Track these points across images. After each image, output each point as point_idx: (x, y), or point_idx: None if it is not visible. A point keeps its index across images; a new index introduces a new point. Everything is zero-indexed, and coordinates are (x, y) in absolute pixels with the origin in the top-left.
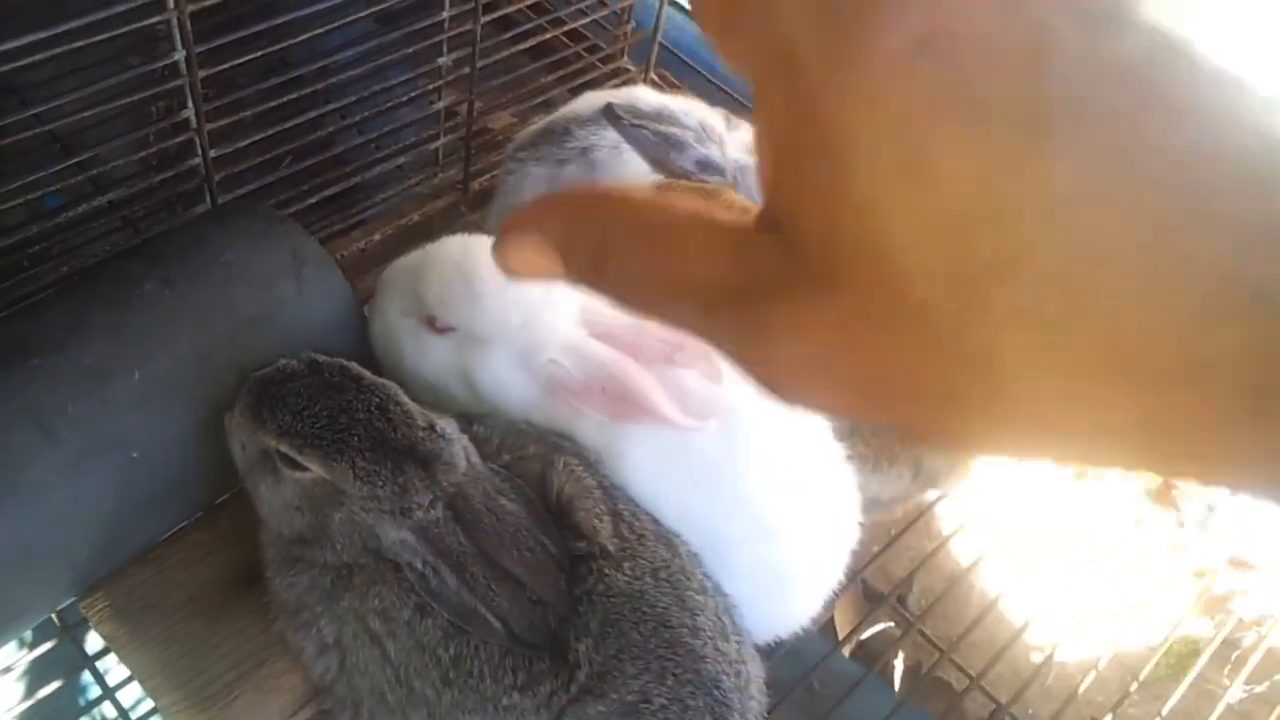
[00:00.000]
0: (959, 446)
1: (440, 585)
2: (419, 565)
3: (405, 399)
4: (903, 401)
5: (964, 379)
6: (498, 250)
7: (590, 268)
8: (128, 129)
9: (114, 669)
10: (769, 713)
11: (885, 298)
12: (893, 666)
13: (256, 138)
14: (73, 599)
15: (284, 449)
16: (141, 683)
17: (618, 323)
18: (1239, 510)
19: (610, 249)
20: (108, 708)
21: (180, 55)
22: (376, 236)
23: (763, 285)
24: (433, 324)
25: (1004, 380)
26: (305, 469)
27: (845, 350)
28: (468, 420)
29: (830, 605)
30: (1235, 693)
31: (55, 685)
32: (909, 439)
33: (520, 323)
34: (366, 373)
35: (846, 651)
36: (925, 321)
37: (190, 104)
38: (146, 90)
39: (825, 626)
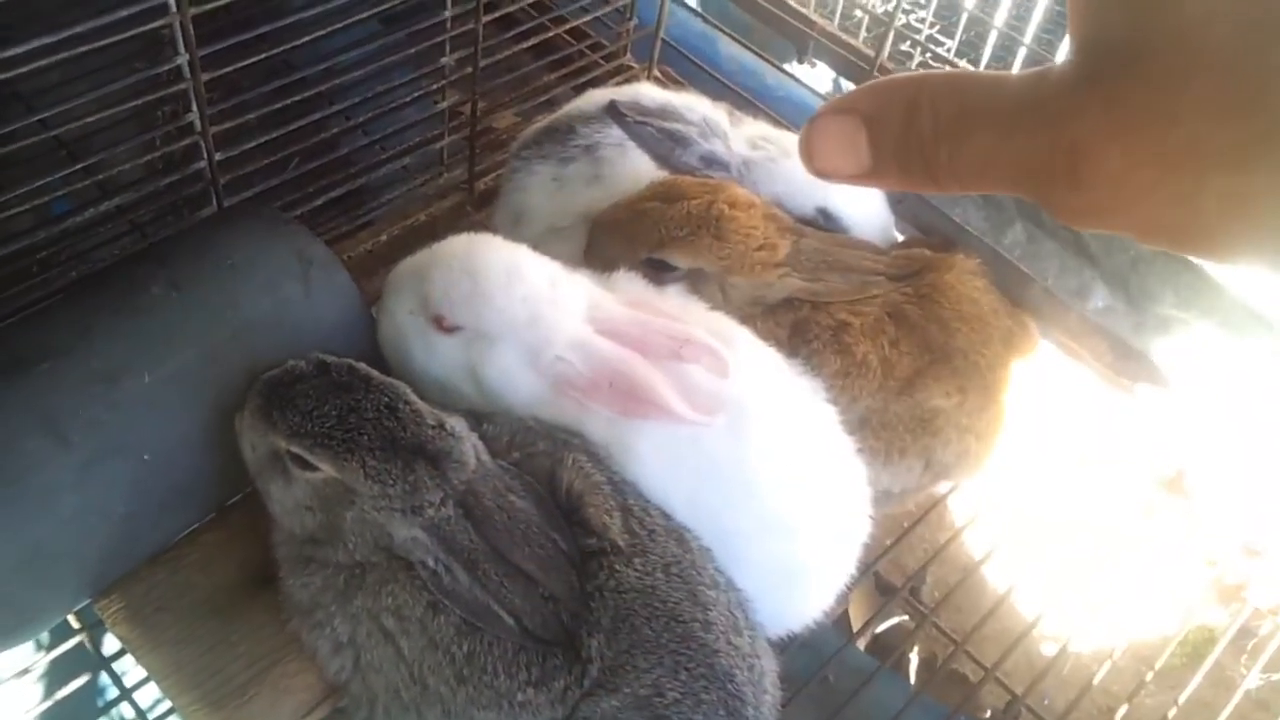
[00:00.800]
0: (1242, 236)
1: (453, 582)
2: (431, 563)
3: (414, 398)
4: (1194, 163)
5: (1252, 132)
6: (805, 140)
7: (900, 127)
8: (134, 134)
9: (131, 670)
10: (784, 706)
11: (1185, 64)
12: (908, 660)
13: (262, 140)
14: (88, 601)
15: (294, 449)
16: (158, 683)
17: (625, 319)
18: (1251, 497)
19: (919, 104)
20: (125, 708)
21: (184, 59)
22: (383, 237)
23: (1070, 88)
24: (440, 323)
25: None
26: (316, 469)
27: (1147, 114)
28: (477, 418)
29: (843, 599)
30: (1252, 680)
31: (74, 686)
32: (1219, 238)
33: (527, 320)
34: (375, 372)
35: (862, 645)
36: (1219, 70)
37: (194, 107)
38: (151, 94)
39: (840, 620)
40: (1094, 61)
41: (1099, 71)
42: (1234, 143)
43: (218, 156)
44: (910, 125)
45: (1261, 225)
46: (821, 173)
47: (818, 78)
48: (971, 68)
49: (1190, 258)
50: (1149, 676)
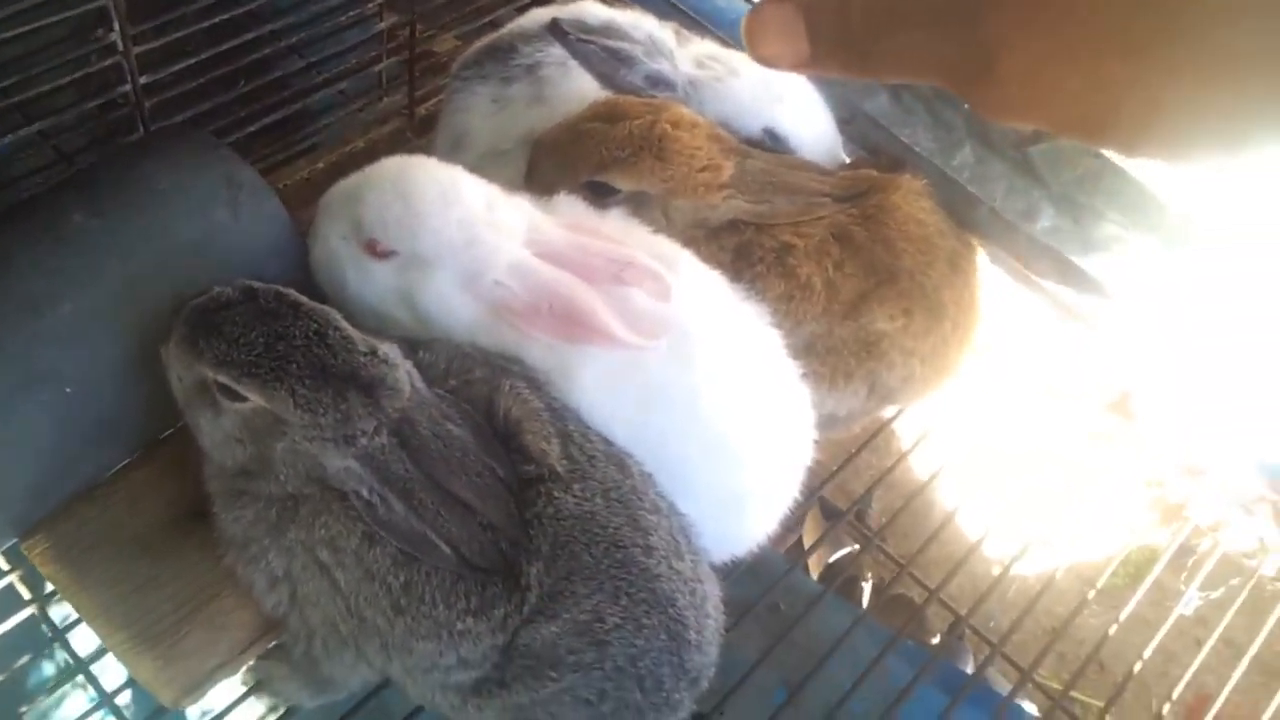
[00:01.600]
0: (1148, 113)
1: (388, 513)
2: (365, 493)
3: (345, 324)
4: (1099, 50)
5: (1160, 19)
6: (747, 28)
7: (835, 16)
8: (58, 57)
9: (66, 610)
10: (729, 630)
11: None
12: (860, 588)
13: (190, 62)
14: (13, 540)
15: (221, 379)
16: (88, 623)
17: (564, 242)
18: (1194, 419)
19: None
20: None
21: None
22: (320, 165)
23: None
24: (374, 248)
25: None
26: (244, 399)
27: (1056, 15)
28: (412, 346)
29: (794, 526)
30: (1190, 599)
31: (6, 626)
32: (1113, 123)
33: (464, 243)
34: (304, 299)
35: (815, 574)
36: None
37: (116, 27)
38: (70, 12)
39: (793, 549)
40: None
41: None
42: (1135, 33)
43: (143, 80)
44: (844, 15)
45: (1161, 115)
46: (763, 60)
47: None
48: None
49: (1116, 158)
50: (1090, 595)
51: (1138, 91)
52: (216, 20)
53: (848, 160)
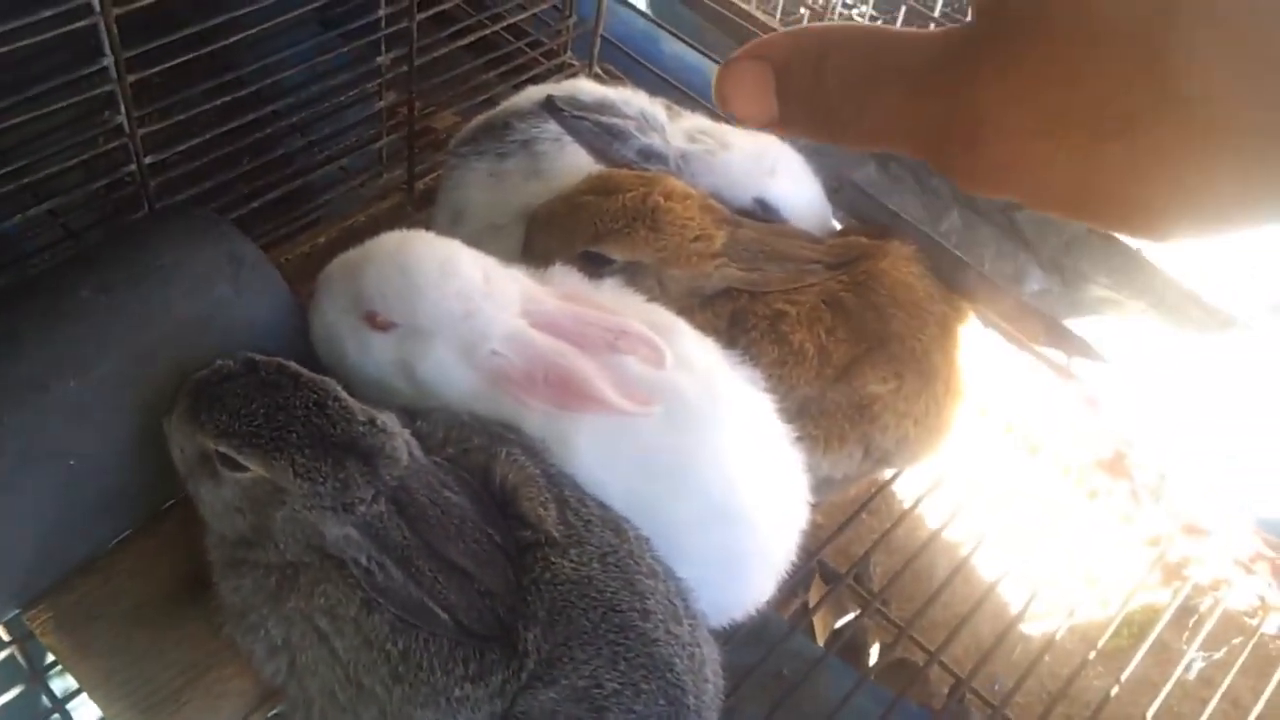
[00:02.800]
0: (1145, 195)
1: (386, 580)
2: (364, 561)
3: (344, 394)
4: (1094, 131)
5: (1151, 90)
6: (718, 84)
7: (808, 79)
8: (66, 138)
9: (67, 682)
10: (729, 695)
11: (1084, 28)
12: (867, 652)
13: (195, 141)
14: (16, 611)
15: (222, 449)
16: (89, 693)
17: (559, 312)
18: (1190, 477)
19: (828, 56)
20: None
21: (109, 60)
22: (322, 240)
23: (970, 51)
24: (373, 320)
25: (1190, 82)
26: (245, 469)
27: (1048, 80)
28: (410, 415)
29: (788, 588)
30: (1192, 658)
31: (5, 699)
32: (1104, 202)
33: (462, 314)
34: (304, 370)
35: (822, 639)
36: (1117, 38)
37: (122, 109)
38: (78, 97)
39: (797, 612)
40: (994, 22)
41: (999, 32)
42: (1131, 110)
43: (148, 159)
44: (818, 79)
45: (1153, 195)
46: (733, 118)
47: None
48: None
49: (1112, 234)
50: (1092, 655)
51: (1135, 171)
52: (220, 101)
53: (838, 228)
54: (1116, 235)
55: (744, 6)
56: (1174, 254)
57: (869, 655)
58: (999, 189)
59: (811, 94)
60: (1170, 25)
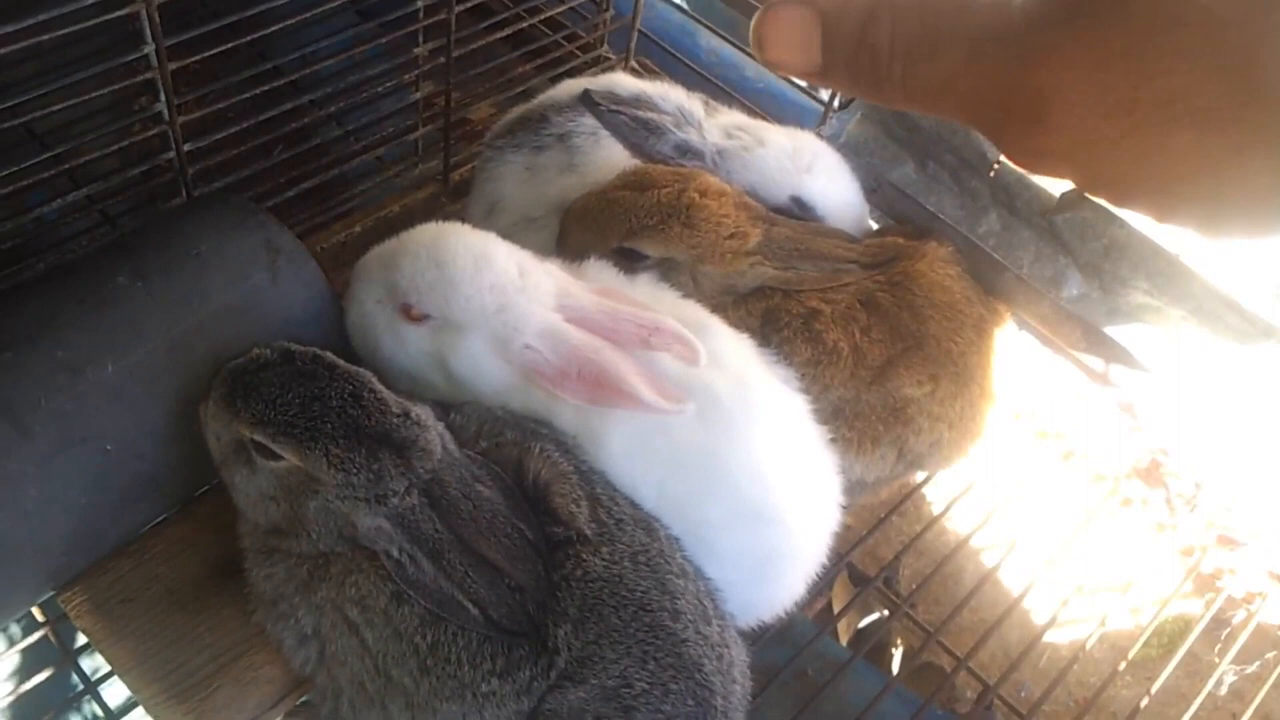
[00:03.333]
0: (1210, 186)
1: (417, 572)
2: (395, 553)
3: (379, 386)
4: (1167, 119)
5: (1231, 84)
6: (758, 27)
7: (857, 31)
8: (106, 124)
9: (97, 664)
10: (756, 697)
11: (1172, 16)
12: (891, 654)
13: (232, 130)
14: (51, 593)
15: (258, 438)
16: (121, 676)
17: (594, 307)
18: (1226, 488)
19: (881, 10)
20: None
21: (150, 48)
22: (357, 229)
23: (1044, 26)
24: (408, 312)
25: (1273, 76)
26: (279, 458)
27: (1126, 64)
28: (444, 408)
29: (822, 592)
30: (1224, 672)
31: (37, 680)
32: (1166, 191)
33: (496, 308)
34: (340, 361)
35: (845, 640)
36: (1207, 19)
37: (162, 97)
38: (118, 84)
39: (821, 614)
40: (1074, 1)
41: (1077, 9)
42: (1211, 105)
43: (187, 147)
44: (866, 33)
45: (1217, 191)
46: (770, 63)
47: None
48: None
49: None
50: (1122, 666)
51: (1205, 167)
52: (258, 91)
53: (875, 227)
54: (1155, 241)
55: None
56: (1214, 261)
57: (892, 657)
58: (1054, 167)
59: (859, 48)
60: (1267, 25)
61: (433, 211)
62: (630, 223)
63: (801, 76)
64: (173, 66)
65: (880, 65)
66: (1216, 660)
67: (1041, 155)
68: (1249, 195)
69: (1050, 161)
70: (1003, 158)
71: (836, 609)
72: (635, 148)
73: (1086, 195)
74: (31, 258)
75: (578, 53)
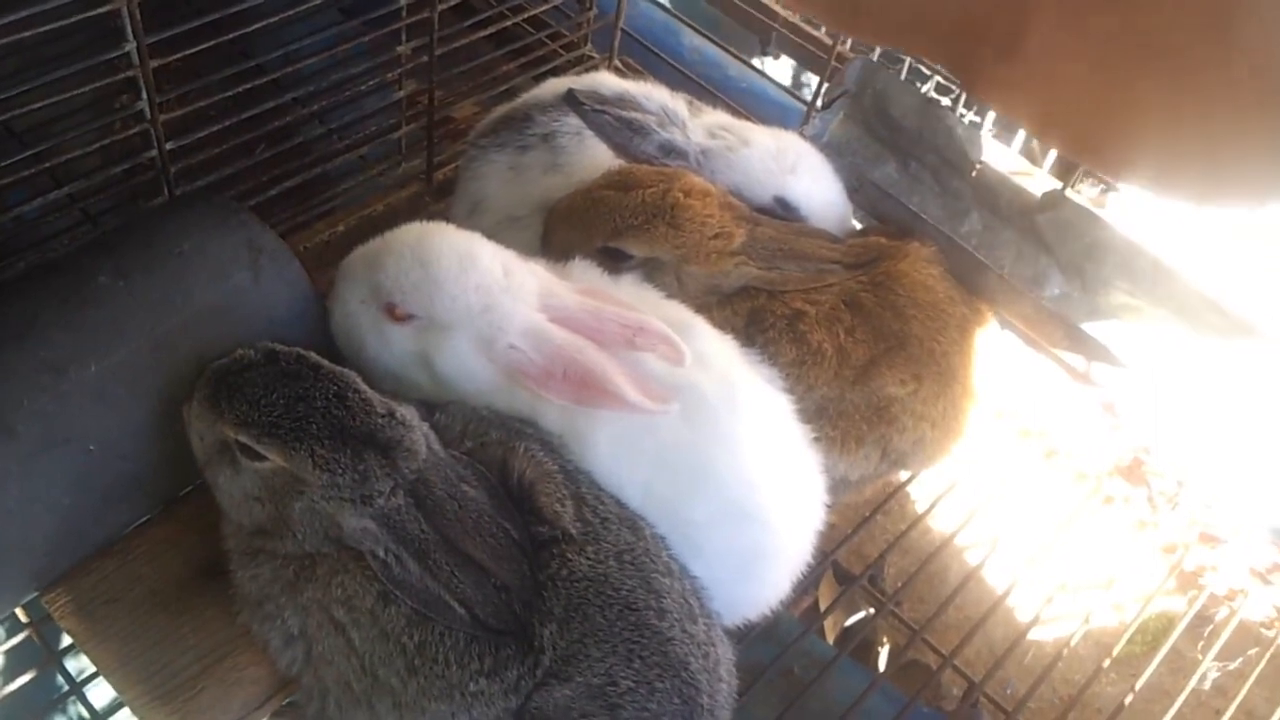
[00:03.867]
0: (1170, 141)
1: (403, 572)
2: (381, 553)
3: (364, 386)
4: (1137, 63)
5: (1209, 38)
6: None
7: None
8: (87, 122)
9: (82, 664)
10: (742, 695)
11: None
12: (877, 651)
13: (214, 128)
14: (35, 594)
15: (242, 439)
16: (105, 676)
17: (578, 307)
18: (1208, 485)
19: None
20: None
21: (131, 45)
22: (340, 228)
23: None
24: (392, 312)
25: (1251, 38)
26: (264, 459)
27: (1108, 16)
28: (429, 408)
29: (809, 590)
30: (1207, 668)
31: (21, 682)
32: (1124, 142)
33: (480, 308)
34: (324, 361)
35: (832, 638)
36: (1198, 7)
37: (144, 95)
38: (99, 82)
39: (808, 612)
40: None
41: None
42: (1188, 65)
43: (169, 145)
44: None
45: (1179, 147)
46: None
47: (780, 70)
48: None
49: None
50: (1106, 663)
51: (1170, 122)
52: (240, 89)
53: (858, 227)
54: (1137, 242)
55: (763, 1)
56: (1195, 260)
57: (878, 655)
58: (1016, 106)
59: None
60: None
61: (416, 210)
62: (615, 222)
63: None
64: (154, 64)
65: None
66: (1200, 657)
67: (1006, 86)
68: (1208, 155)
69: (1013, 99)
70: (983, 159)
71: (822, 607)
72: (619, 147)
73: (1065, 195)
74: (12, 256)
75: (561, 51)
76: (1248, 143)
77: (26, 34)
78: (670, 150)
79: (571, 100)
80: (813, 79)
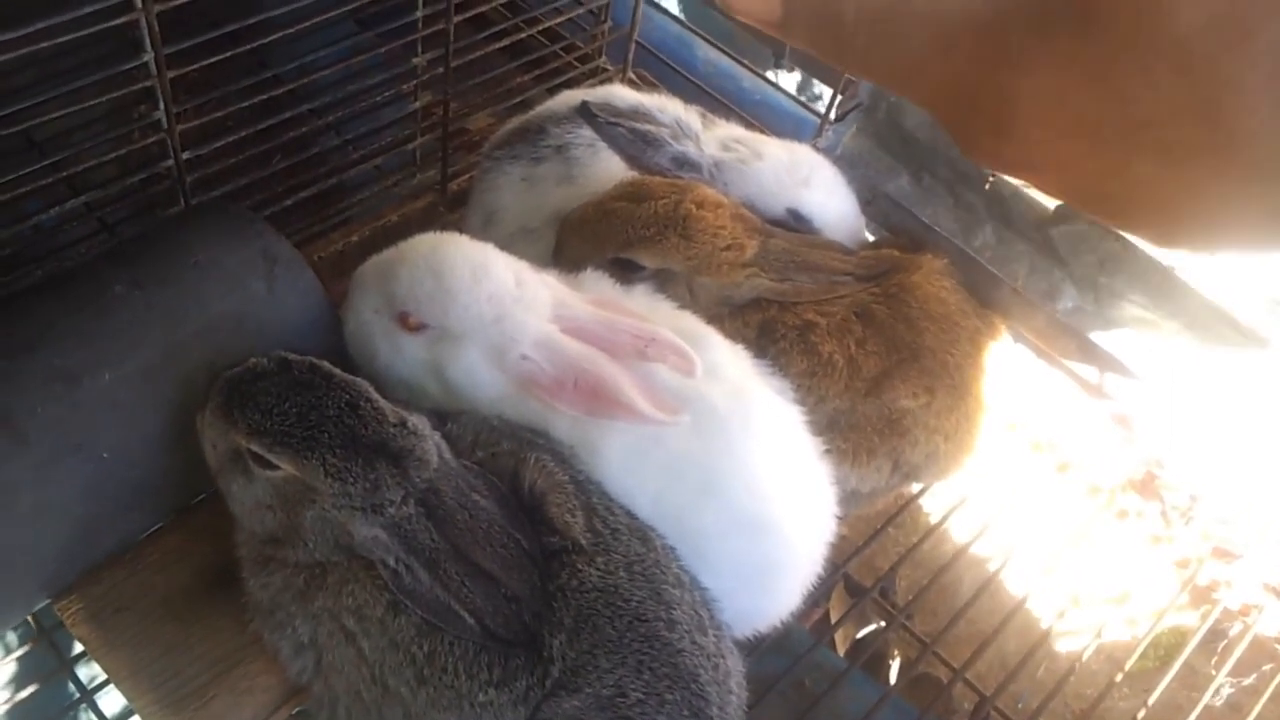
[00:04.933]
0: (1168, 209)
1: (413, 582)
2: (392, 562)
3: (376, 396)
4: (1130, 146)
5: (1198, 121)
6: None
7: None
8: (104, 132)
9: (94, 671)
10: (752, 707)
11: (1147, 32)
12: (888, 665)
13: (231, 138)
14: (46, 601)
15: (254, 447)
16: (117, 684)
17: (590, 318)
18: (1222, 500)
19: None
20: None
21: (149, 56)
22: (355, 238)
23: (1018, 28)
24: (405, 322)
25: (1238, 118)
26: (276, 467)
27: (1093, 84)
28: (440, 418)
29: (819, 603)
30: (1220, 684)
31: (32, 689)
32: (1124, 208)
33: (493, 318)
34: (337, 370)
35: (842, 650)
36: (1180, 54)
37: (161, 105)
38: (117, 92)
39: (818, 625)
40: (1050, 5)
41: (1054, 19)
42: (1176, 138)
43: (185, 155)
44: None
45: (1178, 212)
46: (728, 6)
47: (793, 83)
48: None
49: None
50: (1118, 678)
51: (1165, 192)
52: (256, 99)
53: (871, 240)
54: (1151, 255)
55: None
56: (1208, 273)
57: (889, 668)
58: (1016, 175)
59: (820, 12)
60: (1239, 65)
61: (430, 221)
62: (627, 233)
63: (761, 26)
64: (172, 75)
65: (843, 32)
66: (1213, 672)
67: (1004, 162)
68: (1206, 218)
69: (1010, 170)
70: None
71: (833, 619)
72: (632, 160)
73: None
74: (29, 265)
75: (576, 64)
76: (1250, 208)
77: (45, 45)
78: (683, 163)
79: (585, 113)
80: (826, 91)
